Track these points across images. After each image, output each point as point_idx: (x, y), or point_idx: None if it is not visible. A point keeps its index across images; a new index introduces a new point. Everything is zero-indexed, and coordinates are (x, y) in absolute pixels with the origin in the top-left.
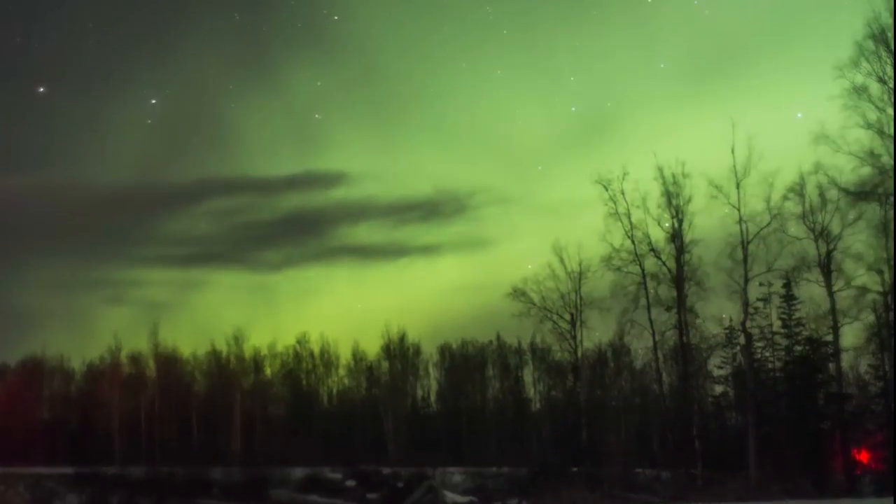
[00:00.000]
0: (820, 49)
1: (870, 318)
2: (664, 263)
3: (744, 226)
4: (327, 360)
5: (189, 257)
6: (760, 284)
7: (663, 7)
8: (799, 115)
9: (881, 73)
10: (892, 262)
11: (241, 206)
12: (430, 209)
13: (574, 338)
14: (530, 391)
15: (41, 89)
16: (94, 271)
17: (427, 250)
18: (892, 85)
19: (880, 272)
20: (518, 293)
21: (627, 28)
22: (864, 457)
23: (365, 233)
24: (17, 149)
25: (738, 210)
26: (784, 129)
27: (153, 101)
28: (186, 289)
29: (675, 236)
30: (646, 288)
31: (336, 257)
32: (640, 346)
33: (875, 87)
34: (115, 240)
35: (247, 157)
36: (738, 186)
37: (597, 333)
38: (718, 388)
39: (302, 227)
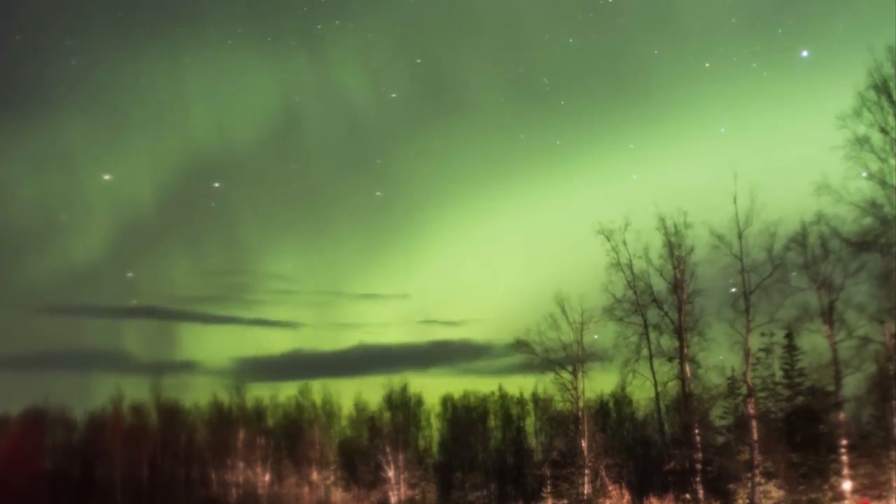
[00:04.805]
0: (823, 99)
1: (872, 368)
2: (666, 314)
3: (746, 276)
4: (329, 410)
5: None
6: (762, 335)
7: (719, 73)
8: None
9: (883, 124)
10: (894, 313)
11: None
12: None
13: (576, 388)
14: (532, 441)
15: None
16: None
17: None
18: (893, 136)
19: (882, 322)
20: (520, 344)
21: (684, 90)
22: None
23: None
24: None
25: (741, 260)
26: (785, 179)
27: None
28: None
29: (677, 286)
30: (648, 338)
31: None
32: (641, 397)
33: (877, 138)
34: None
35: None
36: (740, 236)
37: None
38: (720, 439)
39: None
